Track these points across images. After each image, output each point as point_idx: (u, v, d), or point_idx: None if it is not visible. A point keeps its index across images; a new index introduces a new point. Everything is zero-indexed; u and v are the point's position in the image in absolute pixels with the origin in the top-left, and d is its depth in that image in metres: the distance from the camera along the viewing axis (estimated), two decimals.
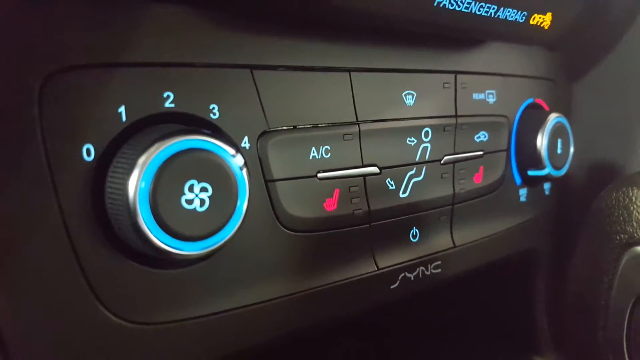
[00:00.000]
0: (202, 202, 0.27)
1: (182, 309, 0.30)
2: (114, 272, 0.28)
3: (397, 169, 0.40)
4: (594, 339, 0.43)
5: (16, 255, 0.25)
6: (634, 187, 0.42)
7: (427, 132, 0.42)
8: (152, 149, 0.26)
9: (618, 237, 0.41)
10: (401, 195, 0.40)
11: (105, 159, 0.27)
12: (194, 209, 0.27)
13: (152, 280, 0.29)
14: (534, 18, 0.43)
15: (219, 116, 0.31)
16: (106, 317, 0.28)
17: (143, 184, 0.26)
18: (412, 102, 0.41)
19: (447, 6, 0.36)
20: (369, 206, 0.38)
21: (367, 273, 0.39)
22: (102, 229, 0.27)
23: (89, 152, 0.26)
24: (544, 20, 0.44)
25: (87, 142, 0.26)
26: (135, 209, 0.25)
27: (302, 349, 0.52)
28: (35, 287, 0.26)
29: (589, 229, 0.45)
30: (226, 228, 0.28)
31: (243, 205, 0.29)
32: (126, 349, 0.29)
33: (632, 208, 0.40)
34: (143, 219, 0.26)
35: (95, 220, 0.27)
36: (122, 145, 0.27)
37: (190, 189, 0.27)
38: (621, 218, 0.41)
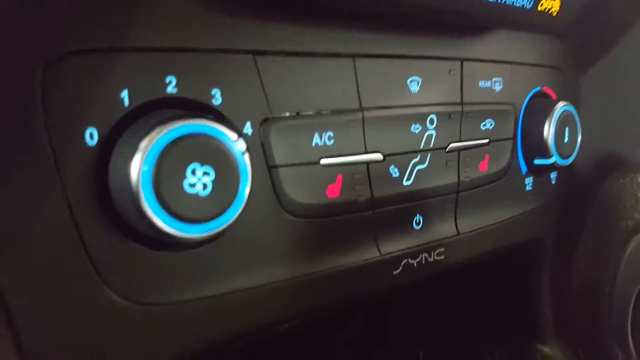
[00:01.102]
0: (205, 186, 0.27)
1: (186, 290, 0.31)
2: (119, 254, 0.28)
3: (401, 156, 0.40)
4: (598, 326, 0.43)
5: (22, 239, 0.26)
6: None
7: (432, 119, 0.42)
8: (154, 132, 0.26)
9: (625, 224, 0.41)
10: (405, 183, 0.40)
11: (108, 143, 0.27)
12: (197, 192, 0.27)
13: (156, 262, 0.29)
14: (542, 4, 0.42)
15: (222, 102, 0.31)
16: (111, 298, 0.28)
17: (146, 168, 0.26)
18: (417, 88, 0.41)
19: None
20: (372, 193, 0.38)
21: (369, 259, 0.39)
22: (106, 212, 0.28)
23: (92, 136, 0.27)
24: (553, 6, 0.44)
25: (90, 126, 0.27)
26: (138, 192, 0.26)
27: (300, 336, 0.53)
28: (41, 269, 0.26)
29: (595, 216, 0.44)
30: (228, 212, 0.28)
31: (245, 189, 0.29)
32: (131, 329, 0.29)
33: (639, 194, 0.40)
34: (146, 202, 0.26)
35: (99, 203, 0.27)
36: (124, 130, 0.27)
37: (193, 173, 0.27)
38: (628, 204, 0.41)
